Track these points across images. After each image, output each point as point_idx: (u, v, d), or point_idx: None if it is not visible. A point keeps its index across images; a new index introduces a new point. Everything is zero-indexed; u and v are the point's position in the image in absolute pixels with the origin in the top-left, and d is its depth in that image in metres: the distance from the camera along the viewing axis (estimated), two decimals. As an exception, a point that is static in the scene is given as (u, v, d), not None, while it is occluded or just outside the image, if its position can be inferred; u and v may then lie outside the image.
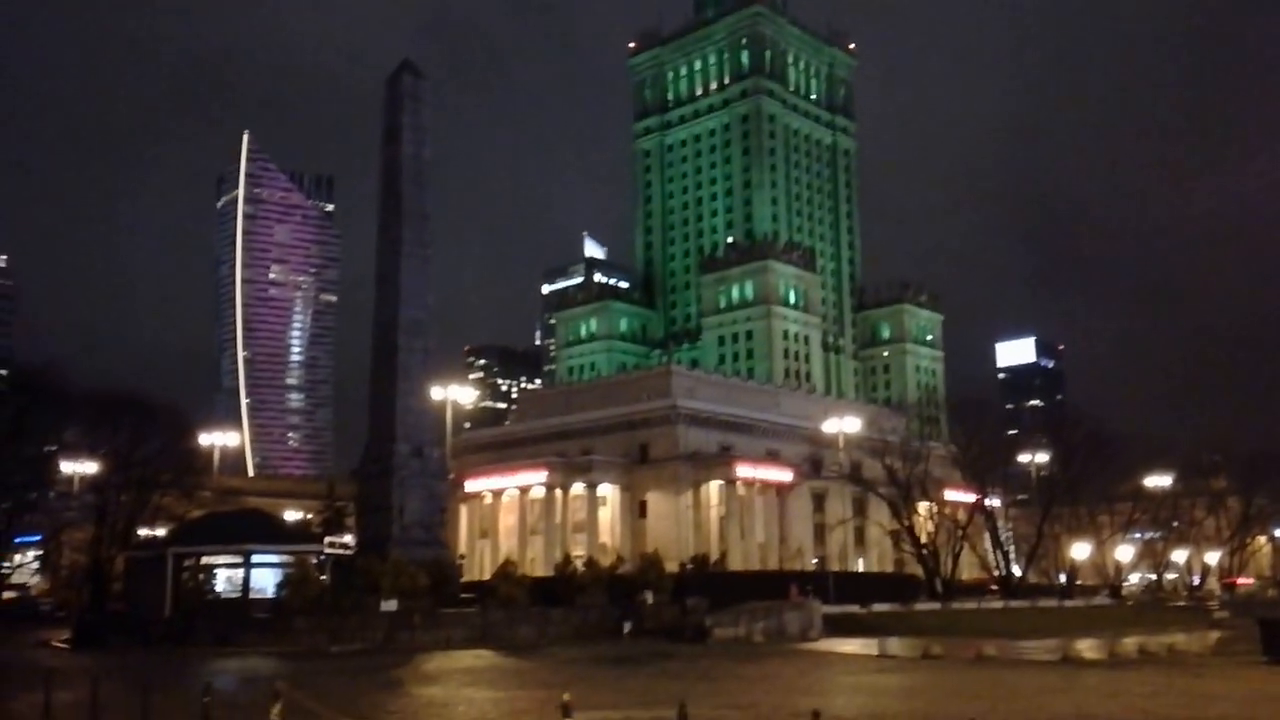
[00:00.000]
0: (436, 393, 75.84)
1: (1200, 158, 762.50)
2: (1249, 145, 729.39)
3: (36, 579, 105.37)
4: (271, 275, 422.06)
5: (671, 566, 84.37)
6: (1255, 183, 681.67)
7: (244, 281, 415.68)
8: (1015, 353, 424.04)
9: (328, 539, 68.93)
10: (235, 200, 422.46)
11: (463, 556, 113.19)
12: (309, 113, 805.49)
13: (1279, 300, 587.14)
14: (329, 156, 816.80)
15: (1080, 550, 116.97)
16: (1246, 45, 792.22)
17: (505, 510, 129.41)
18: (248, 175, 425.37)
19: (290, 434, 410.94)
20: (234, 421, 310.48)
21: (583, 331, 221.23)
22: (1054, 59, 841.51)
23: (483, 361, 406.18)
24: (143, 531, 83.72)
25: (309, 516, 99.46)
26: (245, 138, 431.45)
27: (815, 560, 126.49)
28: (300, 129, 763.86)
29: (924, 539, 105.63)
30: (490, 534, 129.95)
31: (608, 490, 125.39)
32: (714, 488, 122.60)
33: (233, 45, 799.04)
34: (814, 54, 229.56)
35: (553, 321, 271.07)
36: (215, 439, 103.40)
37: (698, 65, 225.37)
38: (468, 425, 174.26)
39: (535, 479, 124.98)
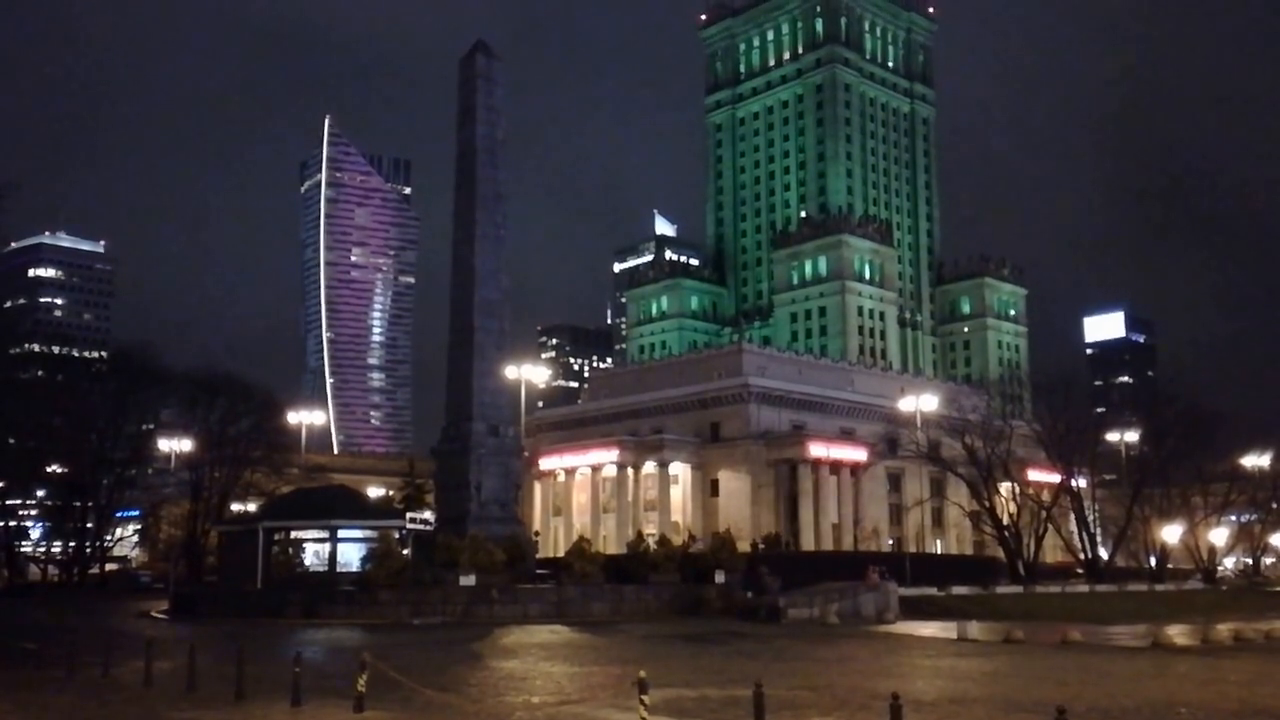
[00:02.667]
0: (511, 372, 76.72)
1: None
2: None
3: (136, 552, 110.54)
4: (353, 258, 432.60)
5: (743, 546, 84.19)
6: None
7: (327, 264, 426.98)
8: (1104, 327, 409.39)
9: (409, 515, 70.54)
10: (319, 184, 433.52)
11: (537, 533, 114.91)
12: (386, 95, 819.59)
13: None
14: (406, 139, 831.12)
15: (1172, 533, 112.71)
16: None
17: (578, 488, 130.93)
18: (329, 159, 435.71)
19: (372, 413, 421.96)
20: (319, 400, 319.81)
21: (654, 310, 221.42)
22: (1158, 12, 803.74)
23: (555, 341, 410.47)
24: (235, 506, 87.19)
25: (391, 493, 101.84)
26: (326, 122, 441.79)
27: (891, 541, 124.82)
28: (378, 112, 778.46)
29: (1005, 520, 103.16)
30: (563, 511, 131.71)
31: (679, 469, 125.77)
32: (786, 467, 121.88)
33: (309, 28, 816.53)
34: (891, 19, 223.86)
35: (624, 300, 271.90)
36: (302, 417, 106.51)
37: (770, 35, 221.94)
38: (541, 404, 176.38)
39: (607, 457, 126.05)
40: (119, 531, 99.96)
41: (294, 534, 62.21)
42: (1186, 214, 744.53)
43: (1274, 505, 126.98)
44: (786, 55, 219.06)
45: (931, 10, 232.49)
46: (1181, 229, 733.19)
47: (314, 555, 62.31)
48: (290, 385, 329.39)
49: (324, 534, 62.25)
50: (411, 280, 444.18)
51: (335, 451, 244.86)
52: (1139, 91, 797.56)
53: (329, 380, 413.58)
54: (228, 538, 67.93)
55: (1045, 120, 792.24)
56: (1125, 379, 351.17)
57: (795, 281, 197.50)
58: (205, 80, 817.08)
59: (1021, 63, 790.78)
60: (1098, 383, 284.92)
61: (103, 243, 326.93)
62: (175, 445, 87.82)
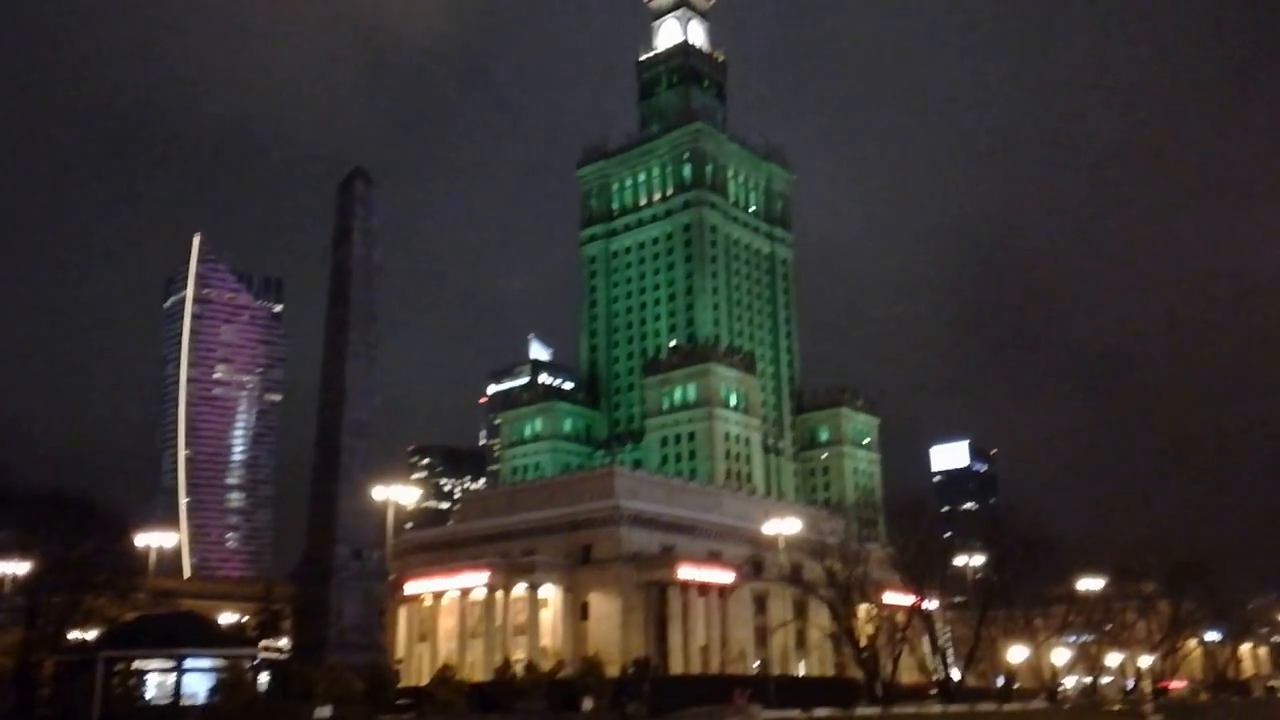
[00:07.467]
0: (379, 493, 76.14)
1: (1143, 266, 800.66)
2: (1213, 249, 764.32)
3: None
4: (216, 375, 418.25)
5: (613, 669, 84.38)
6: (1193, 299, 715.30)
7: (189, 380, 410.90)
8: (949, 456, 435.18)
9: (263, 643, 68.26)
10: (183, 300, 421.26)
11: (399, 661, 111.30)
12: (262, 214, 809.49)
13: (1210, 406, 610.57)
14: (280, 257, 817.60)
15: (1017, 653, 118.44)
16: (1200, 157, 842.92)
17: (445, 613, 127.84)
18: (197, 276, 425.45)
19: (229, 534, 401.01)
20: (172, 521, 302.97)
21: (527, 432, 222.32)
22: (991, 165, 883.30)
23: (426, 461, 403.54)
24: (74, 634, 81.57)
25: (245, 619, 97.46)
26: (196, 239, 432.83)
27: (757, 663, 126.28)
28: (252, 230, 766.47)
29: (863, 642, 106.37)
30: (429, 637, 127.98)
31: (550, 592, 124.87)
32: (656, 589, 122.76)
33: (186, 144, 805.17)
34: (752, 168, 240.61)
35: (498, 422, 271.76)
36: (152, 540, 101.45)
37: (642, 177, 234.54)
38: (409, 526, 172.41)
39: (476, 580, 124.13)
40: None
41: (136, 664, 59.31)
42: (1027, 347, 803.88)
43: (1107, 627, 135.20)
44: (657, 196, 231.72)
45: (789, 162, 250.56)
46: (1022, 361, 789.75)
47: (157, 687, 59.42)
48: (143, 505, 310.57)
49: (169, 664, 59.60)
50: (278, 398, 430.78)
51: (186, 575, 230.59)
52: (990, 231, 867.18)
53: (184, 500, 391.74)
54: (64, 668, 64.09)
55: (899, 257, 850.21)
56: (970, 505, 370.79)
57: (665, 407, 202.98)
58: (66, 184, 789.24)
59: (879, 200, 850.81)
60: (945, 508, 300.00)
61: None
62: (11, 568, 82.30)
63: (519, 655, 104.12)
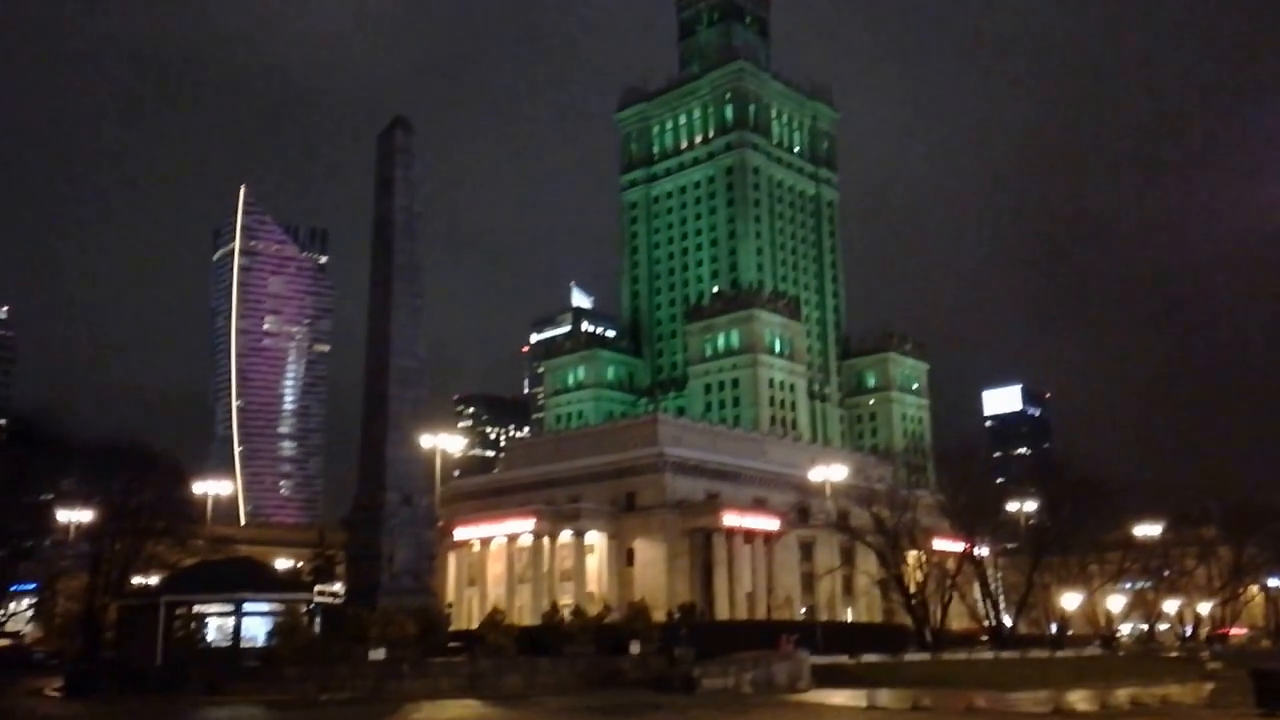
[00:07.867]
0: (426, 441, 76.49)
1: (1200, 202, 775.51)
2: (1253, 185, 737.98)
3: (30, 627, 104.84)
4: (266, 325, 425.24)
5: (659, 615, 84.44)
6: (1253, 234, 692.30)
7: (239, 332, 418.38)
8: (1002, 401, 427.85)
9: (317, 587, 69.10)
10: (231, 252, 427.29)
11: (450, 605, 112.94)
12: (304, 165, 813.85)
13: (1267, 350, 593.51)
14: (324, 208, 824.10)
15: (1071, 600, 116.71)
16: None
17: (493, 558, 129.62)
18: (244, 228, 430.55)
19: (282, 482, 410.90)
20: (227, 470, 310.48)
21: (570, 380, 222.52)
22: (1042, 108, 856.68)
23: (471, 410, 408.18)
24: (136, 580, 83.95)
25: (299, 564, 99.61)
26: (242, 191, 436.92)
27: (803, 610, 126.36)
28: (295, 181, 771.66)
29: (912, 588, 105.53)
30: (478, 582, 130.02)
31: (595, 538, 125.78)
32: (701, 535, 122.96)
33: (228, 98, 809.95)
34: (796, 108, 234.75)
35: (541, 370, 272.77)
36: (209, 487, 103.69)
37: (683, 119, 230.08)
38: (456, 473, 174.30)
39: (523, 527, 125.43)
40: (12, 606, 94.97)
41: (196, 608, 60.33)
42: (1082, 291, 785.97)
43: (1165, 573, 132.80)
44: (698, 138, 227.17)
45: (834, 100, 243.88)
46: (1077, 305, 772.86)
47: (217, 630, 60.52)
48: (198, 454, 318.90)
49: (228, 608, 60.56)
50: (326, 348, 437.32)
51: (242, 522, 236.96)
52: (1044, 169, 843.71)
53: (237, 449, 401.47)
54: (127, 612, 65.53)
55: (949, 196, 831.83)
56: (1023, 450, 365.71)
57: (708, 354, 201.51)
58: (118, 141, 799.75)
59: (927, 136, 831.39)
60: (997, 454, 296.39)
61: (6, 308, 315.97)
62: (75, 516, 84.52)
63: (566, 600, 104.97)
